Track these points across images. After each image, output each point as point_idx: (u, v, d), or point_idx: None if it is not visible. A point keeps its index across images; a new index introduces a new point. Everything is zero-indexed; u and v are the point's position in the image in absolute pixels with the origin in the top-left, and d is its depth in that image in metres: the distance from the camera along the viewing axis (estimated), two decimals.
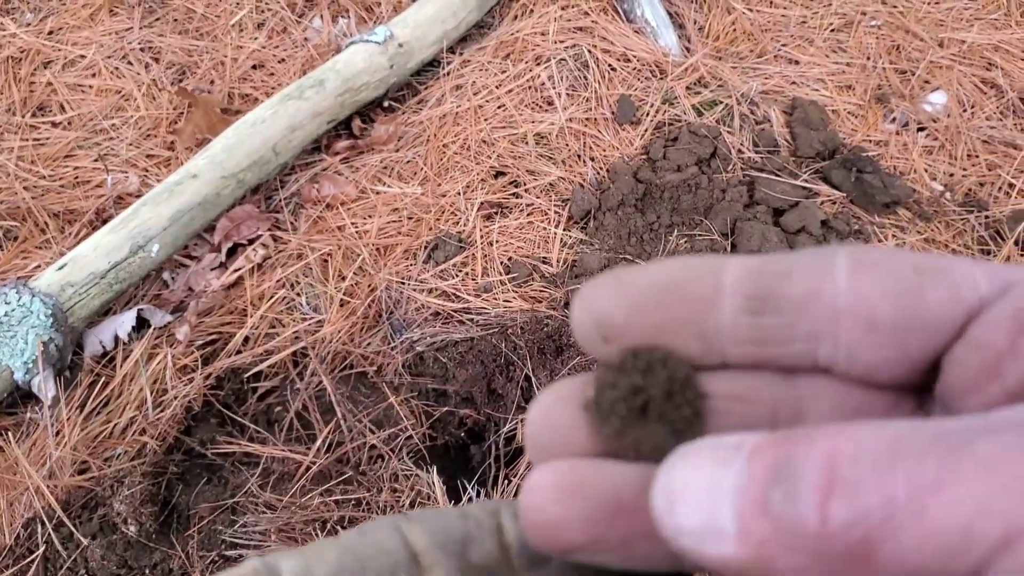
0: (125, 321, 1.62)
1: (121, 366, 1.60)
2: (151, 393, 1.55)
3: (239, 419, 1.59)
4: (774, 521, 0.19)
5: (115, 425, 1.52)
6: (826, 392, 0.25)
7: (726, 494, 0.20)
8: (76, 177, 1.93)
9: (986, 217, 1.89)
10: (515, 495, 1.50)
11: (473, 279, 1.77)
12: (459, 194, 1.88)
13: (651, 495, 0.21)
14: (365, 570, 0.24)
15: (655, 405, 0.25)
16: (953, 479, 0.17)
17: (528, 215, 1.86)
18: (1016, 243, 1.83)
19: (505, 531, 0.26)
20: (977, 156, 2.01)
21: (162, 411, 1.54)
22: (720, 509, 0.20)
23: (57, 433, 1.48)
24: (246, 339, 1.67)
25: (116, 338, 1.62)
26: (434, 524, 0.26)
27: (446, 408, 1.63)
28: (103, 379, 1.59)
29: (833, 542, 0.18)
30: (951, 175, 1.99)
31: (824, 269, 0.24)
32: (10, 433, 1.51)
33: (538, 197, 1.88)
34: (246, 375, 1.63)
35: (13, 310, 1.50)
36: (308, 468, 1.49)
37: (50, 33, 2.20)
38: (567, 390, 0.26)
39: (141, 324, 1.66)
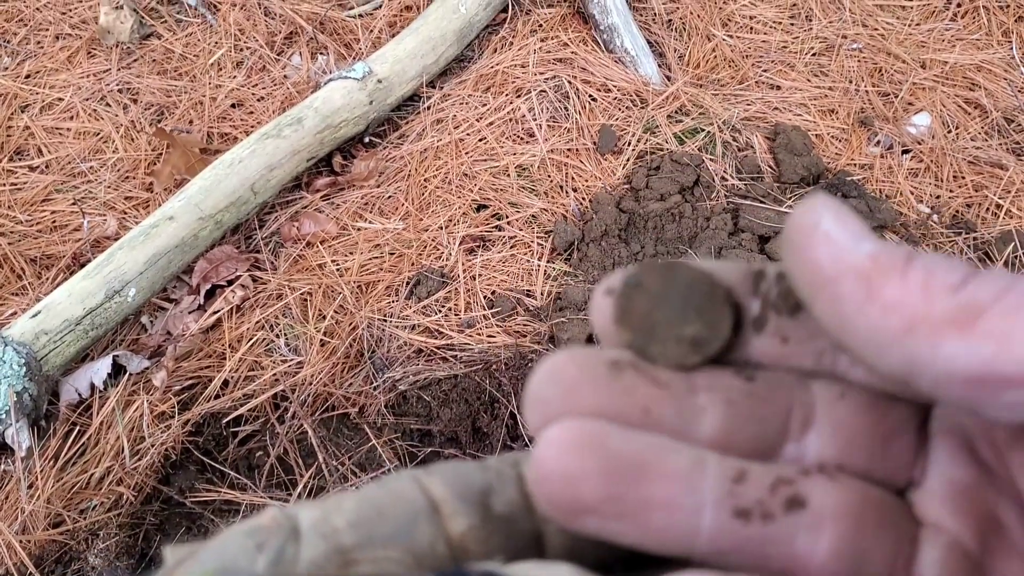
0: (101, 368, 1.59)
1: (97, 414, 1.57)
2: (128, 441, 1.52)
3: (219, 465, 1.55)
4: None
5: (91, 475, 1.48)
6: (840, 400, 0.26)
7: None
8: (54, 221, 1.91)
9: (974, 239, 1.87)
10: None
11: (456, 314, 1.74)
12: (441, 228, 1.86)
13: (806, 208, 0.23)
14: (384, 518, 0.24)
15: (686, 304, 0.26)
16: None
17: (511, 248, 1.84)
18: (1005, 264, 1.81)
19: (527, 480, 0.25)
20: (963, 177, 2.00)
21: (139, 459, 1.51)
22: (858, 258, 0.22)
23: (30, 486, 1.45)
24: (225, 383, 1.64)
25: (92, 386, 1.59)
26: (454, 475, 0.25)
27: (431, 448, 1.60)
28: (79, 428, 1.55)
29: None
30: (937, 197, 1.97)
31: None
32: None
33: (521, 229, 1.86)
34: (225, 420, 1.59)
35: None
36: None
37: (27, 76, 2.18)
38: (578, 353, 0.25)
39: (118, 370, 1.63)
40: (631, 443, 0.23)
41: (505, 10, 2.26)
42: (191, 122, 2.09)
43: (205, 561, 0.22)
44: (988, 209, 1.94)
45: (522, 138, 2.02)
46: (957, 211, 1.94)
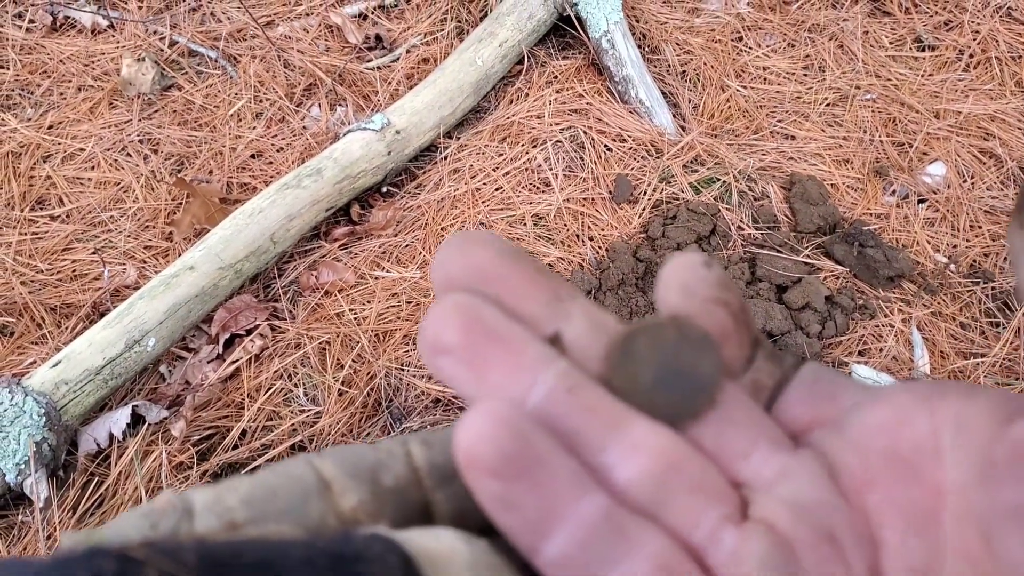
0: (120, 418, 1.59)
1: (115, 464, 1.56)
2: (146, 492, 1.51)
3: None
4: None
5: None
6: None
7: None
8: (74, 271, 1.92)
9: (992, 288, 1.87)
10: None
11: None
12: None
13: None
14: (276, 496, 0.25)
15: (675, 359, 0.27)
16: None
17: None
18: None
19: (414, 456, 0.27)
20: (980, 227, 2.00)
21: None
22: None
23: (48, 537, 1.44)
24: (243, 433, 1.64)
25: (111, 435, 1.59)
26: (344, 455, 0.27)
27: None
28: (97, 478, 1.55)
29: None
30: (954, 247, 1.97)
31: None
32: (0, 538, 1.46)
33: None
34: (244, 470, 1.59)
35: (5, 410, 1.47)
36: None
37: (50, 127, 2.22)
38: (488, 237, 0.29)
39: (136, 420, 1.62)
40: (499, 319, 0.27)
41: (521, 62, 2.29)
42: (211, 172, 2.11)
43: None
44: (1006, 259, 1.94)
45: (538, 188, 2.03)
46: (975, 260, 1.94)
